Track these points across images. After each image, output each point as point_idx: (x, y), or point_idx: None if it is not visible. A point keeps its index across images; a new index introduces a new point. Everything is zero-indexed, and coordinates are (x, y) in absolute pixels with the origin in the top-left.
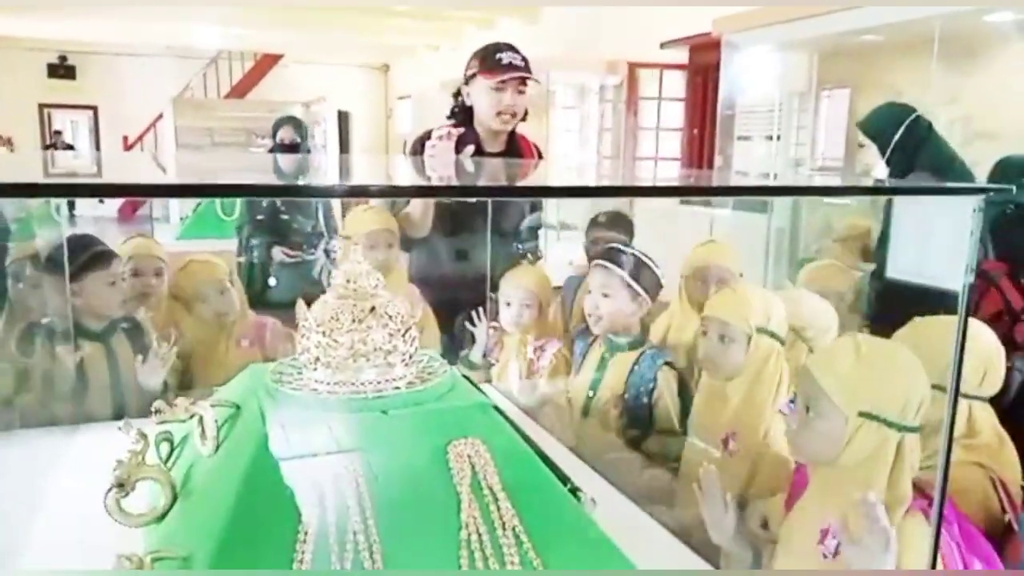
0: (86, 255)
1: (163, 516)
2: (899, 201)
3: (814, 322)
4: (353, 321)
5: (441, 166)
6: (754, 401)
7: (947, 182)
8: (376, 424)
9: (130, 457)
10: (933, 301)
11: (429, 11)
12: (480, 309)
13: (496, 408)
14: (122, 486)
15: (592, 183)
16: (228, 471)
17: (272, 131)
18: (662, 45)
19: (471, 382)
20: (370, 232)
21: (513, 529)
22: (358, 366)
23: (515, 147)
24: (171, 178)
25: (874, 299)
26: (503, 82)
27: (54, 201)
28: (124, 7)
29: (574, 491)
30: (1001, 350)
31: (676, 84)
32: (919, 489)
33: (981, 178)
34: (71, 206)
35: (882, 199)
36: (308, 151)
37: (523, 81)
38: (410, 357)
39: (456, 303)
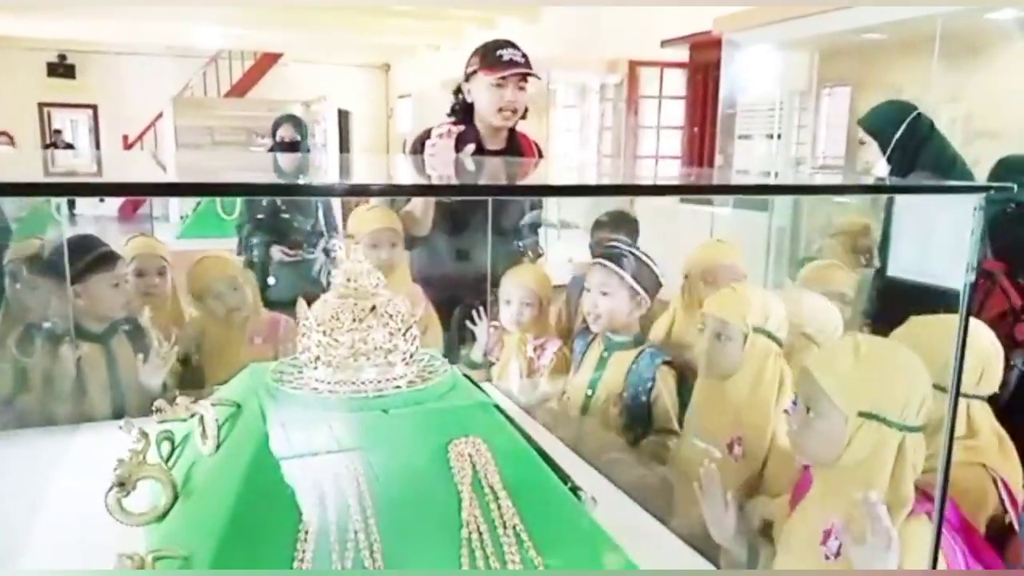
0: (90, 256)
1: (164, 515)
2: (900, 200)
3: (826, 326)
4: (354, 320)
5: (441, 164)
6: (751, 401)
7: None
8: (377, 423)
9: (131, 456)
10: (934, 300)
11: (429, 11)
12: (481, 308)
13: (497, 407)
14: (123, 485)
15: (592, 182)
16: (229, 470)
17: (272, 130)
18: (663, 44)
19: (472, 381)
20: (373, 231)
21: (514, 528)
22: (359, 365)
23: (515, 145)
24: (171, 177)
25: (875, 297)
26: (504, 78)
27: (54, 200)
28: (124, 6)
29: (575, 490)
30: (999, 348)
31: (677, 83)
32: (923, 492)
33: (982, 177)
34: (71, 205)
35: (882, 198)
36: (308, 150)
37: (524, 77)
38: (411, 356)
39: (457, 302)
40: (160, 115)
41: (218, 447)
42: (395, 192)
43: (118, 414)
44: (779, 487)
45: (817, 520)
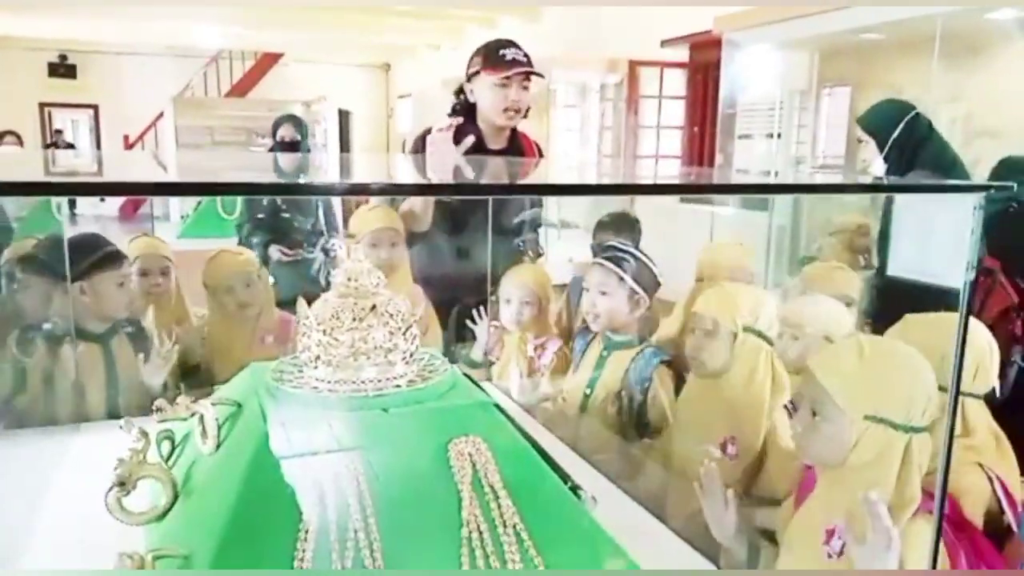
0: (98, 254)
1: (164, 514)
2: (899, 199)
3: (839, 330)
4: (354, 319)
5: (441, 158)
6: (743, 400)
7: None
8: (377, 422)
9: (131, 455)
10: (933, 298)
11: (430, 10)
12: (481, 307)
13: (497, 406)
14: (123, 484)
15: (593, 181)
16: (229, 469)
17: (272, 130)
18: (663, 43)
19: (472, 380)
20: (374, 231)
21: (514, 527)
22: (359, 364)
23: (517, 144)
24: (172, 177)
25: (875, 296)
26: (508, 78)
27: (55, 200)
28: (124, 6)
29: (575, 489)
30: (994, 346)
31: (677, 82)
32: (925, 491)
33: (983, 177)
34: (72, 205)
35: (881, 197)
36: (308, 150)
37: (527, 77)
38: (411, 355)
39: (457, 301)
40: (161, 115)
41: (218, 446)
42: (395, 191)
43: (119, 414)
44: (778, 486)
45: (820, 519)
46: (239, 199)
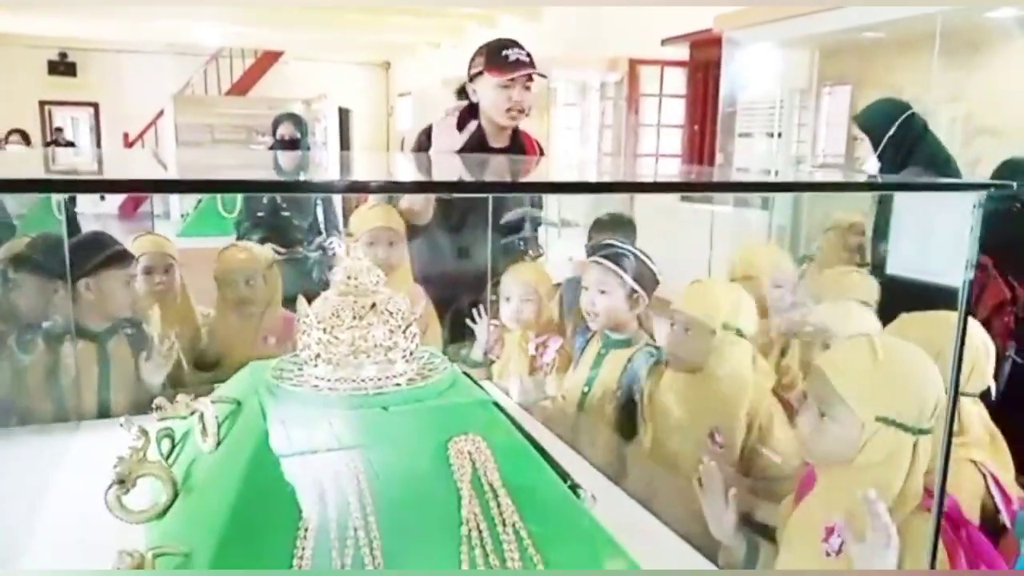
0: (106, 252)
1: (164, 512)
2: (897, 196)
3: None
4: (354, 318)
5: (448, 146)
6: (722, 396)
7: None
8: (377, 420)
9: (131, 453)
10: (930, 296)
11: (430, 9)
12: (481, 306)
13: (496, 405)
14: (123, 482)
15: (593, 180)
16: (229, 468)
17: (272, 128)
18: (663, 42)
19: (471, 379)
20: (372, 230)
21: (513, 525)
22: (359, 362)
23: (518, 143)
24: (172, 174)
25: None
26: (512, 79)
27: (55, 198)
28: (125, 5)
29: (574, 488)
30: (989, 345)
31: (677, 81)
32: (926, 488)
33: (984, 175)
34: (72, 203)
35: (877, 194)
36: (308, 148)
37: (530, 77)
38: (411, 354)
39: (457, 300)
40: (161, 113)
41: (218, 444)
42: (395, 189)
43: (119, 412)
44: (776, 483)
45: (820, 517)
46: (239, 197)
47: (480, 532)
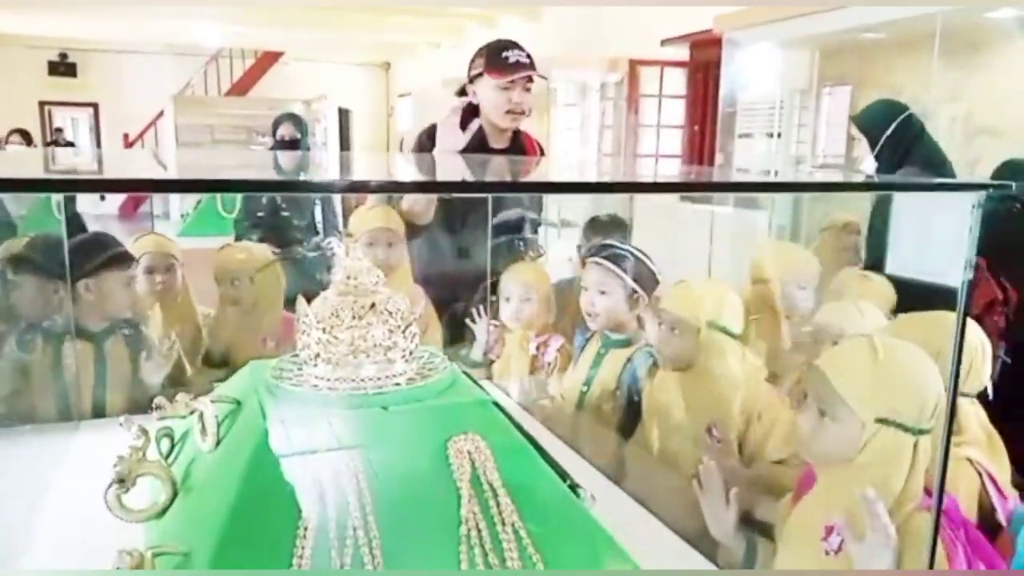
0: (106, 255)
1: (163, 512)
2: (896, 197)
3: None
4: (353, 317)
5: (451, 144)
6: (715, 393)
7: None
8: (376, 420)
9: (131, 453)
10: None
11: (430, 9)
12: (480, 306)
13: (496, 404)
14: (123, 482)
15: (593, 179)
16: (228, 467)
17: (272, 128)
18: (663, 42)
19: (471, 378)
20: (371, 230)
21: (512, 525)
22: (358, 362)
23: (519, 144)
24: (172, 174)
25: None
26: (511, 81)
27: (55, 199)
28: (125, 5)
29: (573, 487)
30: (987, 345)
31: (677, 81)
32: (925, 488)
33: (984, 176)
34: (72, 203)
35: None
36: (308, 148)
37: (529, 78)
38: (410, 353)
39: (456, 300)
40: (161, 113)
41: (218, 444)
42: (394, 189)
43: (119, 411)
44: (774, 481)
45: (820, 516)
46: (239, 197)
47: (479, 531)
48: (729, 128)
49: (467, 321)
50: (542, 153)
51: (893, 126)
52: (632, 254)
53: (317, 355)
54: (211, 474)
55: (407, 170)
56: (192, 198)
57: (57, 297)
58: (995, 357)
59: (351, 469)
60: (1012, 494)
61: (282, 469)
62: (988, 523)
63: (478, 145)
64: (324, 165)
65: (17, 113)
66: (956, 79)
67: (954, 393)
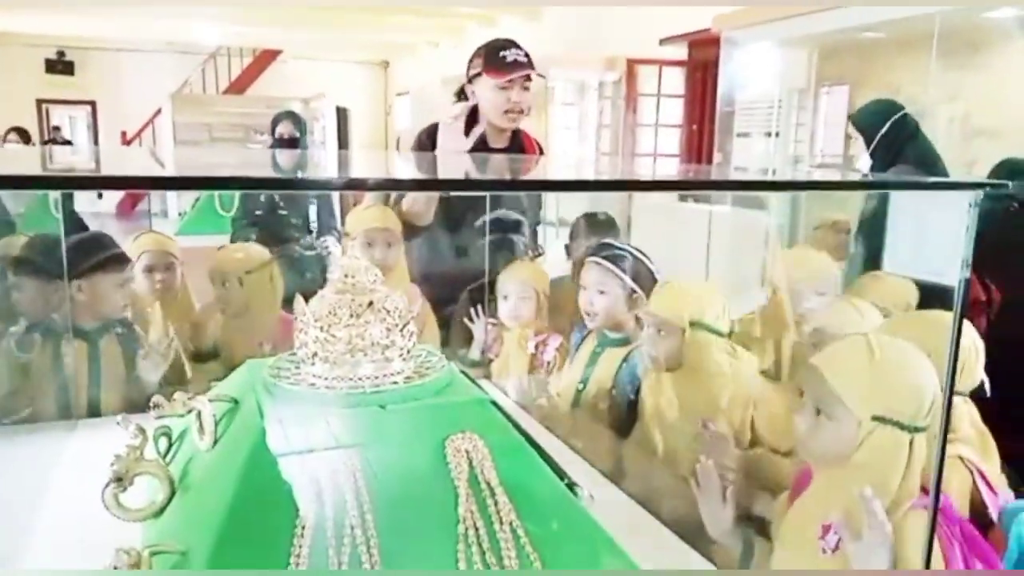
0: (98, 257)
1: (161, 511)
2: (893, 196)
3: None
4: (351, 316)
5: (454, 148)
6: (705, 392)
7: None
8: (374, 419)
9: (128, 452)
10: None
11: (429, 8)
12: (479, 305)
13: (494, 403)
14: (120, 481)
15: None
16: (226, 466)
17: (271, 127)
18: (661, 42)
19: (469, 377)
20: (367, 230)
21: (510, 524)
22: (356, 361)
23: (518, 143)
24: (170, 172)
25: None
26: (510, 80)
27: (52, 196)
28: (123, 3)
29: (571, 486)
30: (979, 344)
31: (675, 80)
32: (920, 487)
33: (980, 175)
34: (70, 201)
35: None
36: (306, 147)
37: (528, 77)
38: (408, 352)
39: (453, 300)
40: (159, 112)
41: (215, 443)
42: (392, 186)
43: (115, 410)
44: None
45: (817, 514)
46: (236, 196)
47: (477, 530)
48: (727, 127)
49: (465, 320)
50: (541, 152)
51: (887, 125)
52: (631, 254)
53: (315, 354)
54: (209, 473)
55: (405, 169)
56: (190, 197)
57: (55, 296)
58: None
59: (349, 468)
60: (1002, 490)
61: (280, 468)
62: (980, 520)
63: (480, 148)
64: (322, 163)
65: (15, 111)
66: (954, 79)
67: (951, 392)
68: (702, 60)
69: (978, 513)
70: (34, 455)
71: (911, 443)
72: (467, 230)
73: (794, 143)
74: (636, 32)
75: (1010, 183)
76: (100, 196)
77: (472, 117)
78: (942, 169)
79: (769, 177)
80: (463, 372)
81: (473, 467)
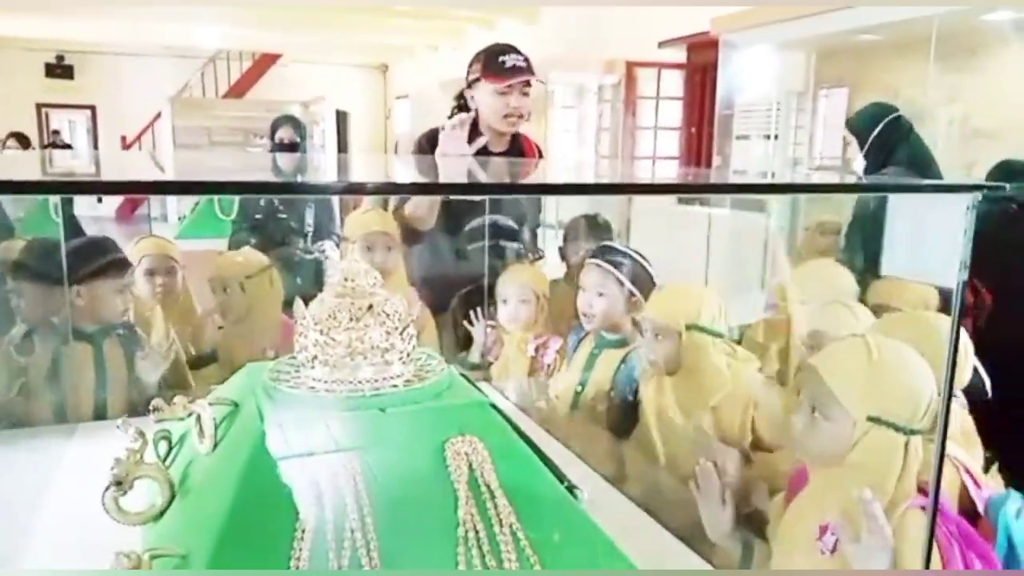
0: (98, 262)
1: (161, 514)
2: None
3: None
4: (351, 319)
5: (455, 154)
6: (704, 395)
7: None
8: (374, 422)
9: (128, 455)
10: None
11: (429, 11)
12: (478, 308)
13: (493, 406)
14: (120, 484)
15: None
16: (226, 469)
17: (270, 131)
18: (660, 44)
19: (469, 380)
20: (365, 234)
21: (510, 527)
22: (356, 364)
23: (518, 147)
24: (170, 176)
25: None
26: (509, 86)
27: (52, 201)
28: (122, 7)
29: (571, 489)
30: (968, 344)
31: (674, 83)
32: (918, 487)
33: (979, 178)
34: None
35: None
36: (306, 151)
37: (527, 82)
38: (408, 355)
39: (453, 303)
40: (158, 116)
41: (215, 446)
42: (391, 190)
43: (116, 414)
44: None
45: (814, 515)
46: (236, 200)
47: (477, 533)
48: (726, 130)
49: (464, 323)
50: (541, 155)
51: (880, 127)
52: (630, 256)
53: (314, 357)
54: (209, 476)
55: (405, 172)
56: (189, 201)
57: (55, 300)
58: None
59: (349, 471)
60: (986, 483)
61: (280, 471)
62: (968, 514)
63: (480, 153)
64: (322, 167)
65: (14, 116)
66: (953, 81)
67: (949, 393)
68: (701, 63)
69: (966, 508)
70: (34, 458)
71: (907, 445)
72: (467, 234)
73: (793, 146)
74: (635, 35)
75: (1008, 185)
76: (100, 200)
77: (474, 127)
78: (935, 171)
79: (768, 180)
80: (463, 375)
81: (473, 470)
